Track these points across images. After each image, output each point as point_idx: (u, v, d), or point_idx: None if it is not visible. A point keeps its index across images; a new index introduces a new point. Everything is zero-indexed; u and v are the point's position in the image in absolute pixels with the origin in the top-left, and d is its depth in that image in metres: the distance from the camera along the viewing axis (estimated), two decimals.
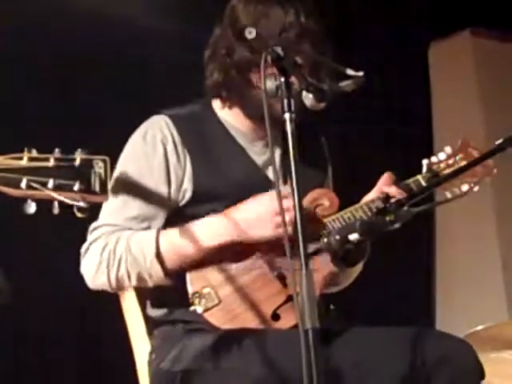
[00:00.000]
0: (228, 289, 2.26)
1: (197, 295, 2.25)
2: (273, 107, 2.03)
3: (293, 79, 1.96)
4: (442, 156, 2.52)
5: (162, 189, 2.33)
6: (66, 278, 3.37)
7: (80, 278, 2.32)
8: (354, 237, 1.97)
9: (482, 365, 2.18)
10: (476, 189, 2.49)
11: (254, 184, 2.36)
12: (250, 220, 2.24)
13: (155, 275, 2.24)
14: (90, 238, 2.30)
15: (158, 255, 2.23)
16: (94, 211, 2.12)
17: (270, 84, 1.93)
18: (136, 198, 2.29)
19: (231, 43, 2.34)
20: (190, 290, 2.26)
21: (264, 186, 2.37)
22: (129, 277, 2.25)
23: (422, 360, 2.11)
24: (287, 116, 1.87)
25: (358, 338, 2.22)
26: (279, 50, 1.91)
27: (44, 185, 1.70)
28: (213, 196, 2.33)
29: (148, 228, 2.31)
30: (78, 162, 1.72)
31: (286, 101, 1.89)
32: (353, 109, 4.53)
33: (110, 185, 2.33)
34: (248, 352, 2.16)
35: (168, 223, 2.34)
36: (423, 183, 2.46)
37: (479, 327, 2.99)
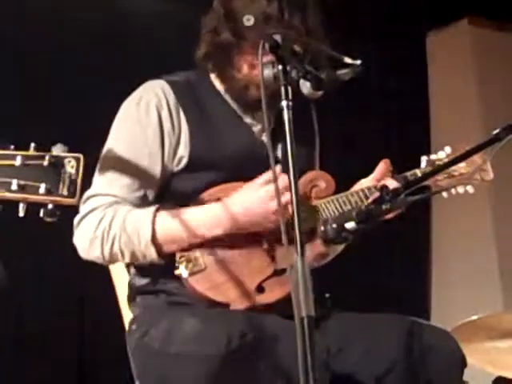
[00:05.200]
0: (215, 257, 2.25)
1: (183, 258, 2.23)
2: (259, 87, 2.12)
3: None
4: (441, 155, 2.57)
5: (155, 155, 2.31)
6: (64, 273, 3.38)
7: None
8: (350, 225, 1.97)
9: (464, 354, 2.20)
10: (470, 189, 2.54)
11: (253, 151, 2.36)
12: (249, 213, 2.23)
13: (149, 256, 2.24)
14: (84, 208, 2.27)
15: (154, 239, 2.22)
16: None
17: (268, 72, 1.92)
18: (130, 165, 2.27)
19: (219, 22, 2.37)
20: (178, 253, 2.25)
21: (262, 153, 2.37)
22: (122, 255, 2.25)
23: (408, 350, 2.13)
24: (284, 103, 1.86)
25: (344, 324, 2.23)
26: (277, 37, 1.90)
27: (7, 186, 1.61)
28: (209, 164, 2.32)
29: (144, 196, 2.30)
30: (47, 161, 1.62)
31: (283, 88, 1.88)
32: (350, 100, 4.53)
33: (103, 151, 2.30)
34: (242, 338, 2.11)
35: (165, 192, 2.34)
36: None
37: (474, 317, 3.00)
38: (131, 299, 2.40)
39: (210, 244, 2.25)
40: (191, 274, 2.22)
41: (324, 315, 2.22)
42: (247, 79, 2.35)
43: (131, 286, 2.40)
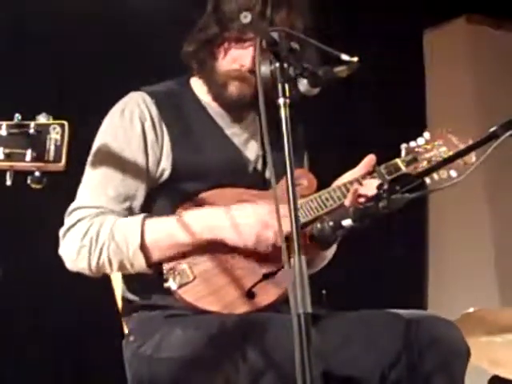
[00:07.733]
0: (203, 266, 2.24)
1: (171, 271, 2.23)
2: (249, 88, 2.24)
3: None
4: (420, 141, 2.57)
5: (140, 165, 2.30)
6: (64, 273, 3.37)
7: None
8: (347, 223, 1.97)
9: (468, 345, 2.19)
10: (453, 173, 2.46)
11: (234, 164, 2.37)
12: (244, 228, 2.23)
13: (137, 265, 2.21)
14: (69, 220, 2.25)
15: (142, 246, 2.20)
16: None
17: (265, 69, 1.92)
18: (115, 175, 2.27)
19: (207, 18, 2.38)
20: (165, 265, 2.24)
21: (243, 166, 2.40)
22: (110, 264, 2.21)
23: (412, 343, 2.11)
24: (281, 101, 1.85)
25: (344, 322, 2.21)
26: (275, 34, 1.89)
27: None
28: (192, 175, 2.31)
29: (129, 208, 2.28)
30: (32, 129, 1.64)
31: (280, 86, 1.87)
32: (348, 96, 4.53)
33: (88, 161, 2.30)
34: (239, 340, 2.13)
35: (149, 202, 2.32)
36: (402, 167, 2.49)
37: (471, 309, 2.99)
38: (126, 313, 2.37)
39: (198, 253, 2.24)
40: (180, 286, 2.22)
41: (322, 314, 2.22)
42: (226, 74, 2.35)
43: (125, 299, 2.38)
